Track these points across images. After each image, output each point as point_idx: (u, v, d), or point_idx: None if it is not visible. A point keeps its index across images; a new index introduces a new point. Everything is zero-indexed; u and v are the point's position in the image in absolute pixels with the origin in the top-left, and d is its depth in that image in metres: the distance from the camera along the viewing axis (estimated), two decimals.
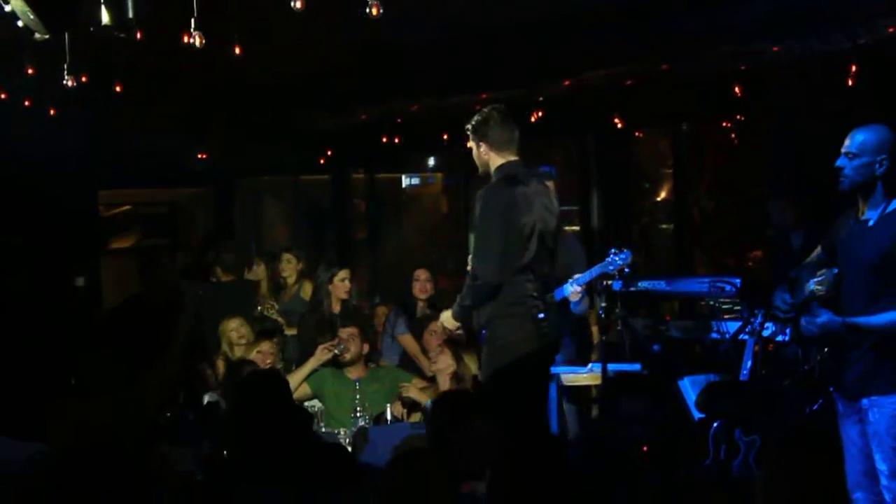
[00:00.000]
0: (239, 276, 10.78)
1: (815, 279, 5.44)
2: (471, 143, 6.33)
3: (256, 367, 7.69)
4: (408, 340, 8.76)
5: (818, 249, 5.66)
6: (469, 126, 6.31)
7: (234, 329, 8.58)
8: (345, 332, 7.96)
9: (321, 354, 7.87)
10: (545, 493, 4.42)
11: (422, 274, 8.99)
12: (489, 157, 6.27)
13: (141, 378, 7.50)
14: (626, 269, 7.65)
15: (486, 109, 6.32)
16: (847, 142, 5.31)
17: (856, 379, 5.31)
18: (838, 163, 5.33)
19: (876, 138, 5.26)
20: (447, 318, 6.43)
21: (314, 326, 8.74)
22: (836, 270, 5.46)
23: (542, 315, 6.10)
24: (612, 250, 7.56)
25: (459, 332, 6.52)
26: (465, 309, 6.26)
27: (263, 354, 8.11)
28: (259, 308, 10.03)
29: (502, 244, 6.04)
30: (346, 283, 8.81)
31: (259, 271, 10.55)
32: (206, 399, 7.72)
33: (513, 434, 5.97)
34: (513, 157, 6.25)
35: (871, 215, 5.32)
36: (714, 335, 8.70)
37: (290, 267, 10.10)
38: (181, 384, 7.89)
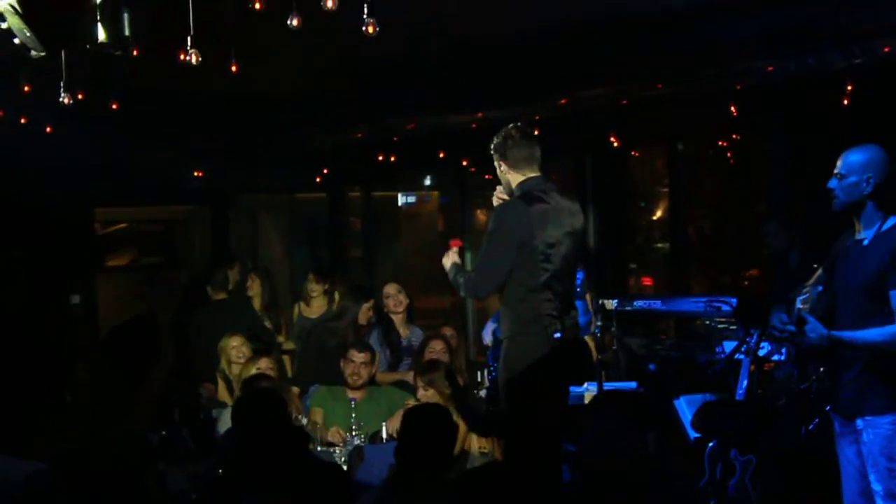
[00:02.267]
0: (236, 293, 10.80)
1: (801, 297, 5.49)
2: (495, 164, 6.30)
3: (271, 380, 7.69)
4: None
5: (819, 271, 5.67)
6: (491, 147, 6.28)
7: (235, 347, 8.56)
8: (358, 357, 7.94)
9: None
10: None
11: (391, 289, 8.98)
12: (510, 176, 6.23)
13: (137, 392, 7.50)
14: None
15: (505, 128, 6.28)
16: (838, 162, 5.35)
17: (850, 398, 5.31)
18: (829, 184, 5.37)
19: (863, 158, 5.30)
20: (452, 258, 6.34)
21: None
22: (820, 288, 5.50)
23: (558, 334, 6.04)
24: None
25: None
26: (454, 280, 6.23)
27: (262, 371, 8.11)
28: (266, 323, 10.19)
29: (506, 265, 5.98)
30: (370, 312, 8.86)
31: (254, 287, 10.60)
32: (215, 414, 7.73)
33: (522, 451, 5.98)
34: (533, 174, 6.21)
35: (865, 234, 5.34)
36: (710, 355, 8.70)
37: (317, 287, 10.36)
38: (179, 402, 7.88)
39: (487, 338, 9.04)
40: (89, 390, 7.01)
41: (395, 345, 8.84)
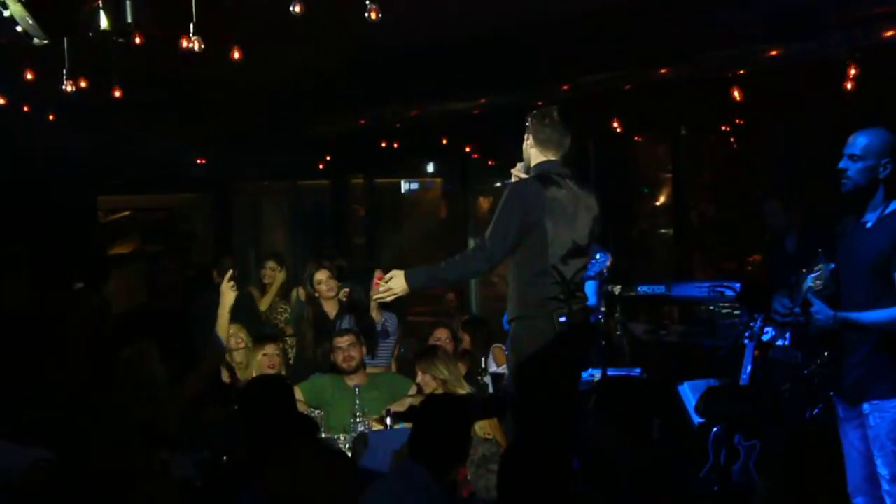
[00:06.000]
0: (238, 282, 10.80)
1: (813, 274, 5.43)
2: (525, 135, 6.26)
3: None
4: None
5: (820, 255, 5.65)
6: (528, 117, 6.23)
7: (232, 335, 8.54)
8: (343, 342, 7.92)
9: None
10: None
11: (322, 275, 8.70)
12: (532, 152, 6.21)
13: (178, 383, 7.51)
14: (606, 273, 7.60)
15: (548, 107, 6.24)
16: (852, 144, 5.31)
17: (856, 383, 5.31)
18: (841, 165, 5.32)
19: (880, 142, 5.26)
20: (399, 280, 6.02)
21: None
22: (833, 265, 5.46)
23: (563, 318, 5.98)
24: (598, 254, 7.52)
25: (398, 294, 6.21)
26: (439, 281, 6.29)
27: (269, 357, 8.14)
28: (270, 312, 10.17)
29: (515, 231, 5.94)
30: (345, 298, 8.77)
31: (276, 277, 10.53)
32: None
33: (530, 438, 5.95)
34: (553, 157, 6.18)
35: (869, 217, 5.33)
36: (714, 340, 8.71)
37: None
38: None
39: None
40: (130, 381, 7.00)
41: (369, 330, 8.61)
